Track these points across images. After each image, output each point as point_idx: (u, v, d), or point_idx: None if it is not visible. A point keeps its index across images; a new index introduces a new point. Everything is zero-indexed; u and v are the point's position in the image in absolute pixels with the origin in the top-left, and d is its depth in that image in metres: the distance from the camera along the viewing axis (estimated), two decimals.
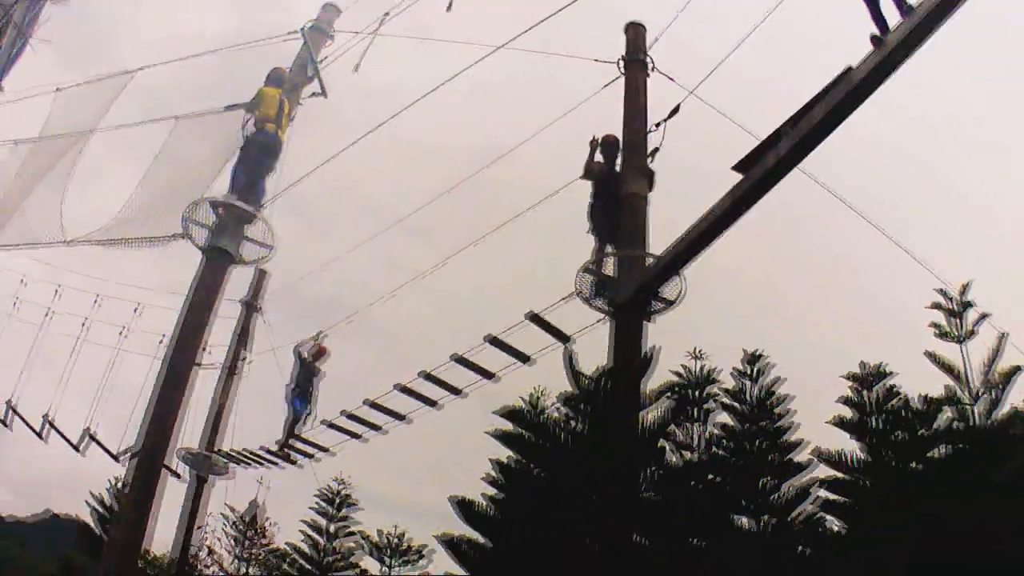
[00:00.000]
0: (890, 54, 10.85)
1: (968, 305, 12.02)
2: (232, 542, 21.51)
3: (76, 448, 24.57)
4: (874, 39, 11.15)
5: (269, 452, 20.24)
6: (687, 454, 12.11)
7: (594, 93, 15.60)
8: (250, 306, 23.67)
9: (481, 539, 11.63)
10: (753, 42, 13.65)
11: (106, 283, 24.61)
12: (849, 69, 11.15)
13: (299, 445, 19.78)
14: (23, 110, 23.96)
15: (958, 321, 11.96)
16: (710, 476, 11.80)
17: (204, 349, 19.08)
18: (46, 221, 20.93)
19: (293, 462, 20.35)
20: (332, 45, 20.54)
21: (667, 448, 11.93)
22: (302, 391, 19.81)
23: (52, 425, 24.98)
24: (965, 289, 12.12)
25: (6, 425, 26.09)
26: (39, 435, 25.08)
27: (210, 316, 17.29)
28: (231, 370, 22.79)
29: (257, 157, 18.01)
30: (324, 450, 19.37)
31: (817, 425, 12.04)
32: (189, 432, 20.98)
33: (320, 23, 20.52)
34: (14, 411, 25.73)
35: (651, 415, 11.78)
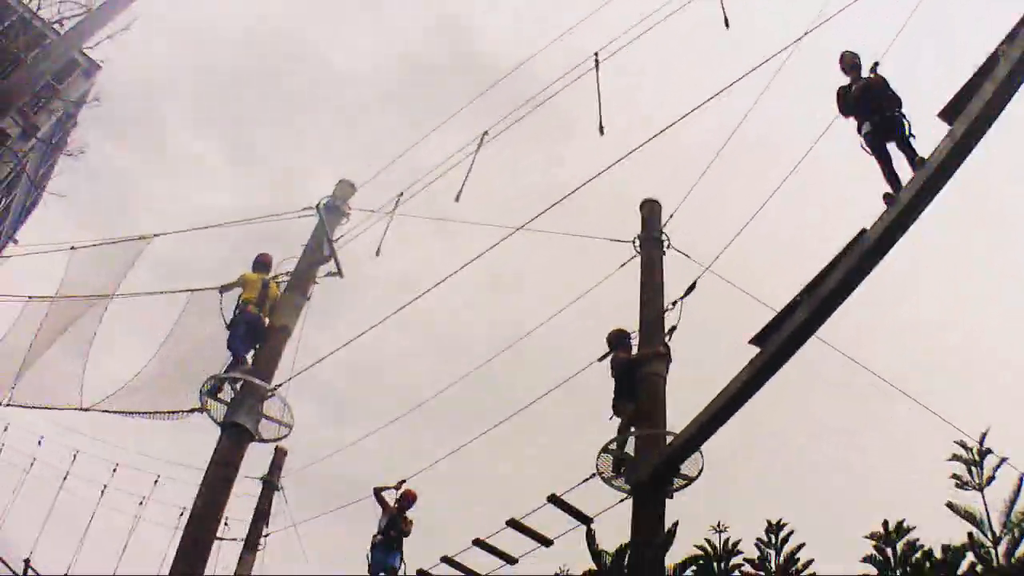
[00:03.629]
0: (903, 211, 10.93)
1: (986, 453, 11.95)
2: None
3: None
4: (887, 197, 11.27)
5: None
6: None
7: (610, 274, 15.68)
8: (268, 483, 23.41)
9: None
10: (770, 208, 13.82)
11: (124, 451, 24.53)
12: (863, 231, 11.22)
13: None
14: (37, 265, 24.11)
15: (977, 470, 11.88)
16: None
17: (223, 523, 18.66)
18: (62, 384, 20.79)
19: None
20: (348, 223, 20.08)
21: None
22: (388, 542, 17.75)
23: None
24: (983, 438, 12.06)
25: None
26: None
27: (228, 490, 16.92)
28: (250, 545, 22.54)
29: (245, 334, 17.83)
30: None
31: None
32: None
33: (335, 200, 20.10)
34: (32, 569, 25.56)
35: None
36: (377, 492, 17.98)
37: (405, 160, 19.66)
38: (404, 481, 17.96)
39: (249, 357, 17.81)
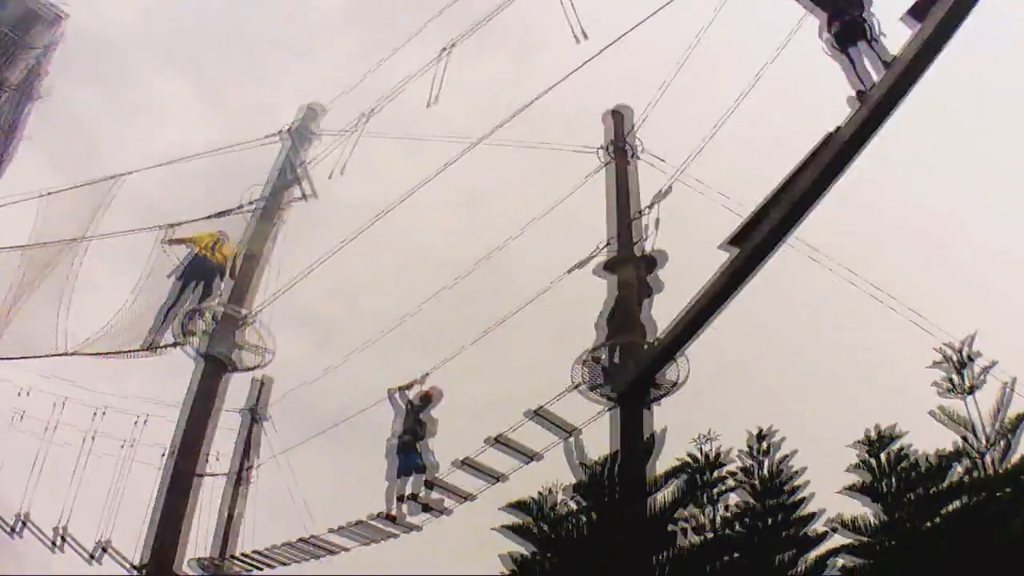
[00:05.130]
0: (874, 110, 11.00)
1: (970, 359, 11.99)
2: None
3: (91, 559, 24.27)
4: (859, 95, 11.34)
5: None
6: (701, 536, 12.08)
7: (578, 186, 15.69)
8: (252, 414, 23.32)
9: None
10: (740, 114, 13.77)
11: (109, 395, 24.35)
12: (834, 131, 11.32)
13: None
14: (15, 216, 23.94)
15: (961, 376, 11.92)
16: (725, 556, 11.66)
17: (208, 458, 18.57)
18: (43, 332, 20.75)
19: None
20: (316, 147, 20.17)
21: (679, 531, 11.87)
22: (409, 444, 16.77)
23: (65, 537, 24.66)
24: (964, 344, 12.10)
25: (14, 535, 25.82)
26: (52, 547, 24.84)
27: (208, 423, 16.91)
28: (238, 478, 22.47)
29: (191, 274, 18.26)
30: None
31: (831, 493, 12.05)
32: (202, 542, 20.52)
33: (300, 125, 20.26)
34: (26, 523, 25.43)
35: (659, 499, 11.75)
36: (391, 393, 17.26)
37: (373, 84, 19.48)
38: (427, 375, 17.20)
39: (191, 291, 18.04)
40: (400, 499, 16.50)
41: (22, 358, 21.42)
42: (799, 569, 11.57)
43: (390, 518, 16.55)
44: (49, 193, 22.41)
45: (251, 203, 18.99)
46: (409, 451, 16.60)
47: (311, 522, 18.23)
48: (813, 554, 11.68)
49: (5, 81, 27.84)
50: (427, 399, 17.12)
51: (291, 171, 19.16)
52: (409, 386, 17.10)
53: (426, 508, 16.41)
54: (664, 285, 14.91)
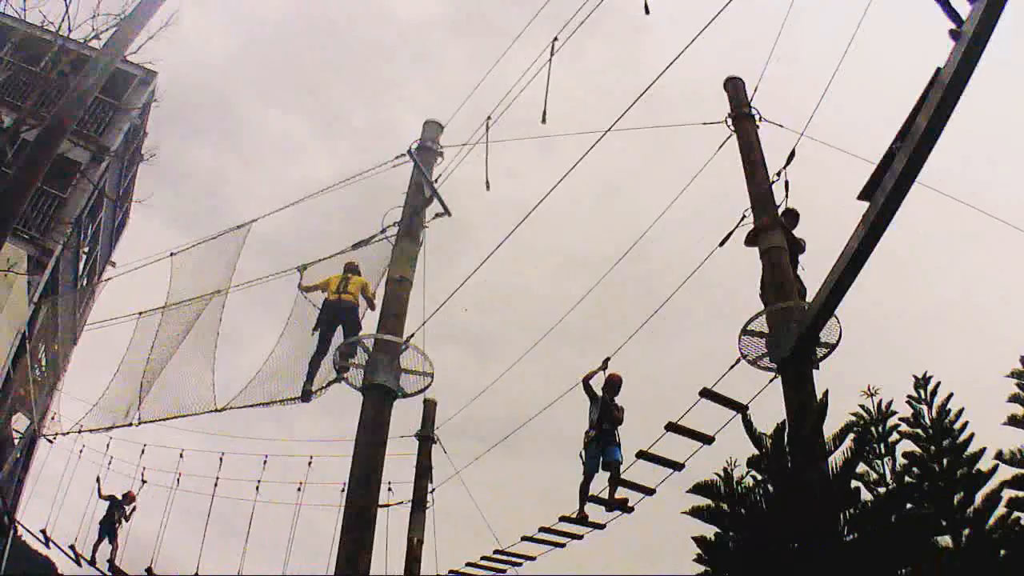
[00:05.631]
0: (970, 44, 11.10)
1: None
2: None
3: None
4: (952, 33, 11.50)
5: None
6: (878, 490, 12.34)
7: (711, 158, 15.85)
8: (424, 438, 23.34)
9: None
10: (845, 66, 13.91)
11: (274, 442, 24.72)
12: (939, 70, 11.39)
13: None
14: (143, 280, 24.39)
15: None
16: (906, 505, 11.87)
17: (387, 488, 18.66)
18: (191, 390, 21.07)
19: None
20: (443, 162, 19.72)
21: (860, 487, 12.06)
22: (603, 435, 16.19)
23: None
24: None
25: None
26: None
27: (382, 453, 16.94)
28: (418, 504, 22.52)
29: (327, 320, 18.45)
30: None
31: (992, 426, 12.27)
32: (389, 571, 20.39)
33: (426, 142, 19.73)
34: None
35: (835, 459, 11.95)
36: (585, 381, 16.47)
37: (488, 89, 19.36)
38: (609, 359, 16.28)
39: (337, 335, 18.33)
40: (593, 499, 16.19)
41: (173, 417, 21.78)
42: (976, 505, 11.79)
43: (582, 518, 16.36)
44: (172, 253, 22.85)
45: (394, 225, 18.84)
46: (608, 444, 16.22)
47: (491, 537, 18.34)
48: (986, 490, 11.88)
49: (106, 150, 28.39)
50: (613, 385, 16.75)
51: (427, 189, 18.99)
52: (595, 373, 16.49)
53: (615, 507, 16.12)
54: (805, 244, 15.33)
